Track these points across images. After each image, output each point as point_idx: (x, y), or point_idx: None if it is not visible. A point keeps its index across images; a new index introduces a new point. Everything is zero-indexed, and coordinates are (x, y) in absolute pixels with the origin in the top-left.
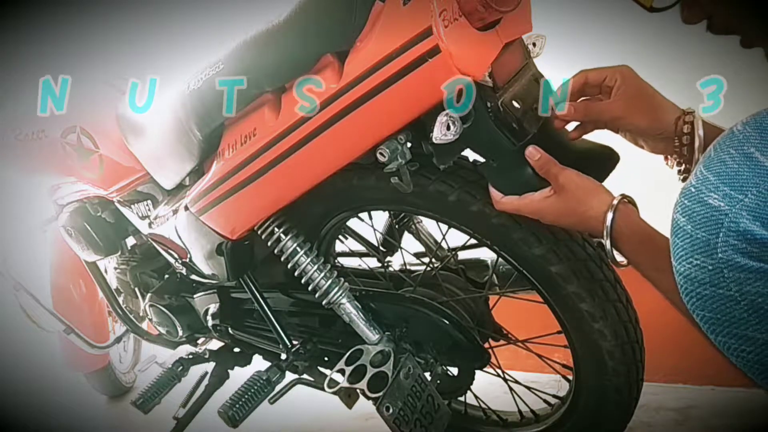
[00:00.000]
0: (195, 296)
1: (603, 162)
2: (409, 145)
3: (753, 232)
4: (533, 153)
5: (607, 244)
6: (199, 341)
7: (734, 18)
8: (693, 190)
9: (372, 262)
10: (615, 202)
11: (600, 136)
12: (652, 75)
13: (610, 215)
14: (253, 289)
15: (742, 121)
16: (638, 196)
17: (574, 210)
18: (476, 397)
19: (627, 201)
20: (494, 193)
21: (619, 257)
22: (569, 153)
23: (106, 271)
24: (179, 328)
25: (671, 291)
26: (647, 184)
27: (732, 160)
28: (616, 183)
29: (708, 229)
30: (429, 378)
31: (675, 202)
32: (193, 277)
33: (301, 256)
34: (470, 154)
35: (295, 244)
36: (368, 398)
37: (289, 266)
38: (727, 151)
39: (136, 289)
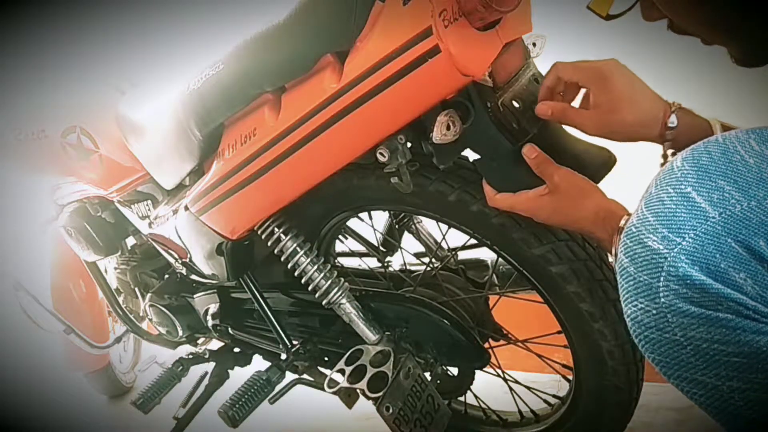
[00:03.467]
0: (195, 296)
1: (599, 164)
2: (409, 145)
3: (692, 277)
4: (530, 151)
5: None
6: (199, 341)
7: (688, 26)
8: (633, 230)
9: (372, 262)
10: (623, 223)
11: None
12: (653, 76)
13: (618, 238)
14: (253, 289)
15: (681, 156)
16: (634, 200)
17: (566, 209)
18: (476, 397)
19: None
20: (488, 189)
21: None
22: (567, 153)
23: (106, 271)
24: (179, 328)
25: None
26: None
27: (669, 199)
28: (614, 186)
29: (649, 272)
30: (429, 378)
31: (620, 240)
32: (193, 277)
33: (301, 256)
34: (470, 154)
35: (295, 244)
36: (368, 398)
37: (289, 266)
38: (665, 189)
39: (136, 289)
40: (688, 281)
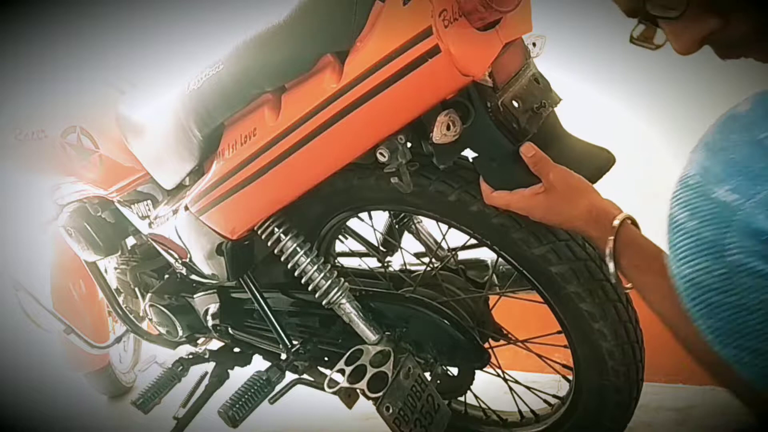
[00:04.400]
0: (195, 296)
1: (599, 164)
2: (409, 145)
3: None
4: (528, 149)
5: (611, 266)
6: (199, 341)
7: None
8: (693, 182)
9: (372, 262)
10: (616, 222)
11: (598, 138)
12: (653, 75)
13: (611, 239)
14: (253, 289)
15: (747, 101)
16: (631, 206)
17: (560, 208)
18: (476, 397)
19: (630, 222)
20: (485, 186)
21: (624, 280)
22: (566, 152)
23: (106, 271)
24: (179, 328)
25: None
26: (643, 193)
27: (740, 147)
28: (612, 190)
29: (716, 227)
30: (429, 378)
31: (673, 192)
32: (193, 277)
33: (301, 256)
34: (470, 154)
35: (295, 244)
36: (368, 398)
37: (289, 266)
38: (731, 138)
39: (136, 289)
40: (764, 237)
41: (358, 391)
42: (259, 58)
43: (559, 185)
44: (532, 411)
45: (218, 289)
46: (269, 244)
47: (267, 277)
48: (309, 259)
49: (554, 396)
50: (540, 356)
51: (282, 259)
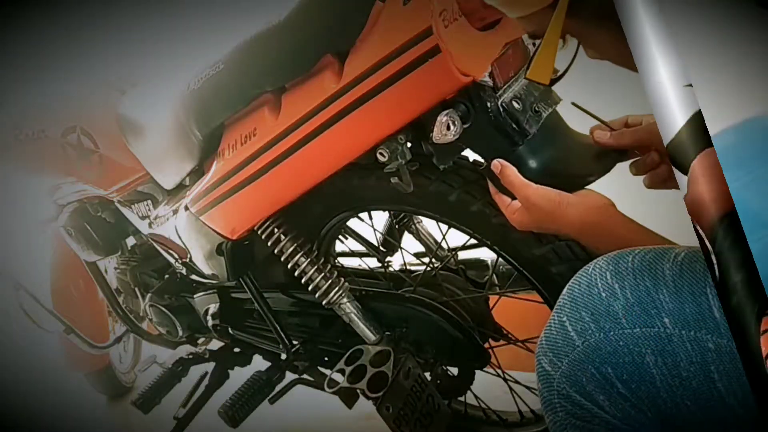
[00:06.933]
0: (195, 296)
1: (589, 171)
2: (409, 145)
3: (571, 397)
4: (495, 166)
5: None
6: (199, 341)
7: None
8: (538, 349)
9: (372, 262)
10: None
11: None
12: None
13: None
14: (253, 289)
15: (567, 286)
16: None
17: (546, 223)
18: (476, 397)
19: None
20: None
21: None
22: (569, 148)
23: (106, 271)
24: (179, 328)
25: None
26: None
27: (554, 326)
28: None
29: (547, 390)
30: (429, 378)
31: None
32: (193, 277)
33: (301, 256)
34: (470, 154)
35: (294, 244)
36: (368, 398)
37: (289, 266)
38: (553, 317)
39: (136, 289)
40: (570, 400)
41: (358, 391)
42: (259, 57)
43: (536, 202)
44: (532, 411)
45: (218, 289)
46: (269, 244)
47: (267, 277)
48: (309, 259)
49: None
50: None
51: (282, 259)
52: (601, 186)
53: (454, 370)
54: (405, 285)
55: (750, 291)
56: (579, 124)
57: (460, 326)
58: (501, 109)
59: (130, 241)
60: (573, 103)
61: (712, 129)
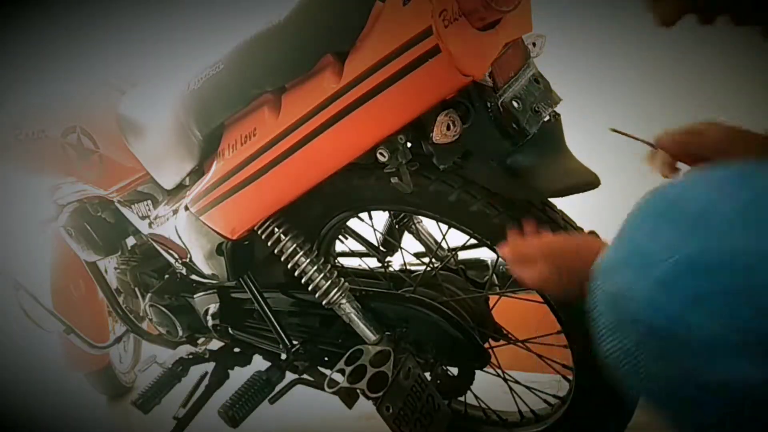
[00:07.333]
0: (195, 296)
1: (584, 181)
2: (409, 145)
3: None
4: (503, 251)
5: None
6: (199, 341)
7: None
8: (603, 267)
9: (372, 262)
10: None
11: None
12: (652, 76)
13: None
14: (253, 289)
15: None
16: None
17: (569, 275)
18: (476, 397)
19: None
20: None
21: None
22: (556, 165)
23: (106, 271)
24: (179, 328)
25: None
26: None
27: (637, 235)
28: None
29: (615, 312)
30: (429, 378)
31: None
32: (193, 277)
33: (301, 256)
34: None
35: (294, 244)
36: (368, 398)
37: (289, 266)
38: (632, 224)
39: (136, 289)
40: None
41: (358, 391)
42: (259, 57)
43: (554, 257)
44: (532, 411)
45: (218, 289)
46: (269, 244)
47: (267, 277)
48: (309, 259)
49: (554, 396)
50: (540, 356)
51: (282, 259)
52: (602, 185)
53: (454, 370)
54: (405, 285)
55: None
56: (579, 124)
57: (460, 326)
58: (501, 109)
59: (130, 241)
60: (612, 129)
61: None
